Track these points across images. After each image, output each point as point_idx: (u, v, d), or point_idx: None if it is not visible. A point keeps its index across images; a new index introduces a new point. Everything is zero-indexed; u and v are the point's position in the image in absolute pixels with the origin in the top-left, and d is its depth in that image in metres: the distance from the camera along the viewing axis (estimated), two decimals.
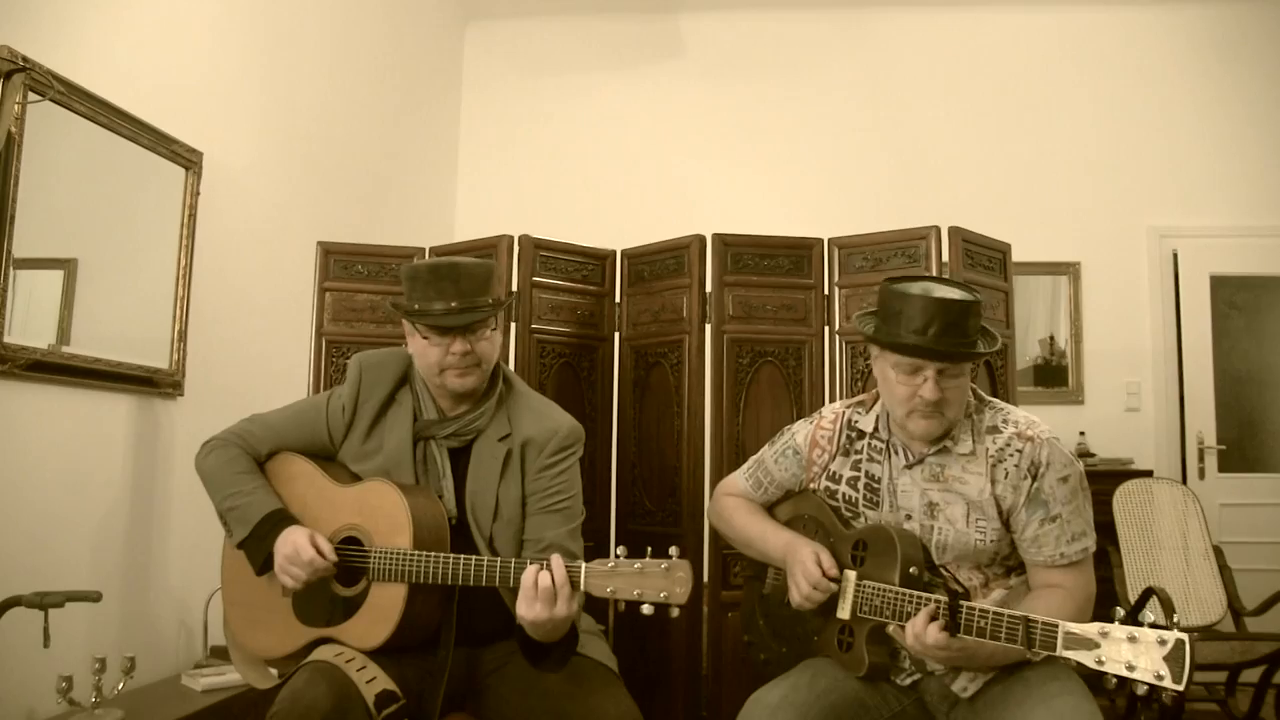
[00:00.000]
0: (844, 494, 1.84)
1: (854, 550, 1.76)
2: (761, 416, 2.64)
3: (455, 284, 1.82)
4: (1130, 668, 1.31)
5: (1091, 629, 1.37)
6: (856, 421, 1.86)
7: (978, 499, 1.71)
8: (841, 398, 2.61)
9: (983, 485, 1.70)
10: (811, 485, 1.91)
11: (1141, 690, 1.32)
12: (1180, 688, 1.29)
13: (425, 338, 1.85)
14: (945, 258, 2.55)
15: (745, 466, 2.04)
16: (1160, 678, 1.29)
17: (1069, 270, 4.77)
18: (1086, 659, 1.36)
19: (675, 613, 1.58)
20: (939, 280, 1.76)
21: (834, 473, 1.86)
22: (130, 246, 2.68)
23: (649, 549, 1.60)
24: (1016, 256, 2.76)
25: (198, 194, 2.86)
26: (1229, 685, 3.34)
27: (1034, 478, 1.68)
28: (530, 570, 1.61)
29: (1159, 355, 4.70)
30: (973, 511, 1.71)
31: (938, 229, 2.56)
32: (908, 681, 1.76)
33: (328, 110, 3.80)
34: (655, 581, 1.56)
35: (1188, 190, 4.74)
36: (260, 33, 3.32)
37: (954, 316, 1.64)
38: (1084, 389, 4.73)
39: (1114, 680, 1.34)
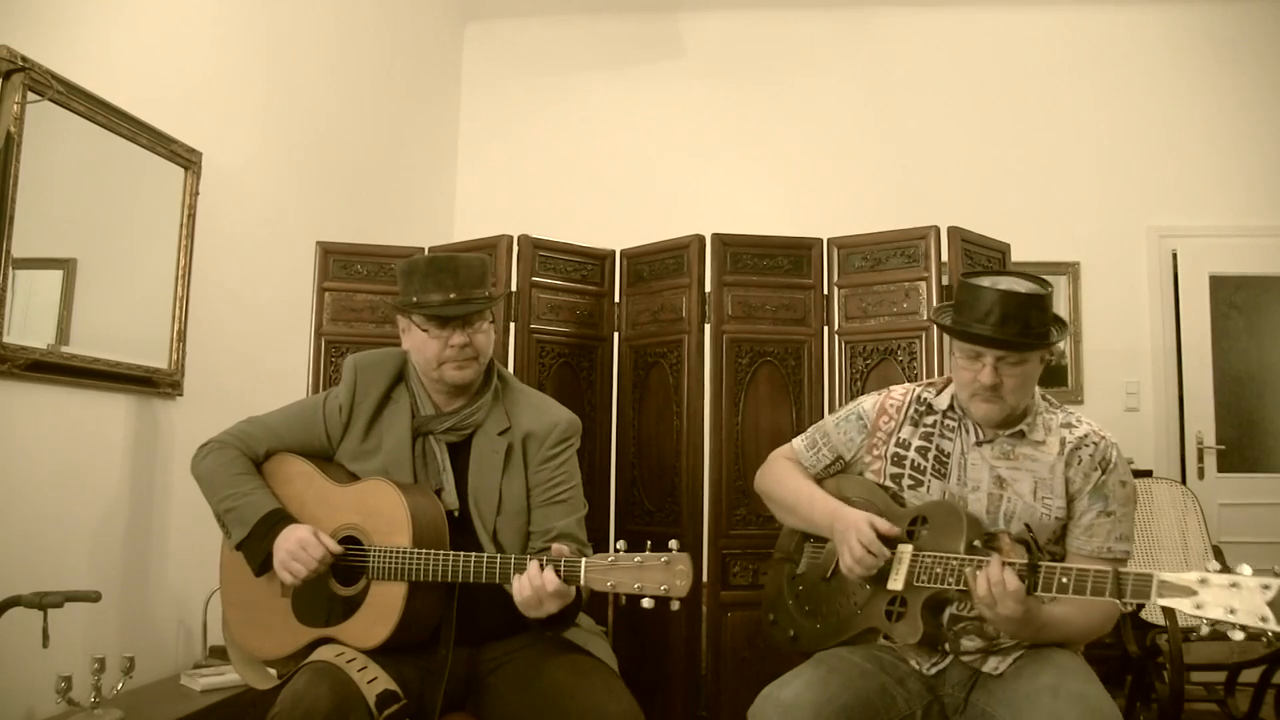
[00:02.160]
0: (913, 460, 1.88)
1: (911, 525, 1.78)
2: (760, 416, 2.64)
3: (454, 276, 1.86)
4: (1231, 611, 1.35)
5: (1190, 577, 1.41)
6: (928, 399, 1.92)
7: (1048, 476, 1.78)
8: (841, 398, 2.62)
9: (1054, 463, 1.78)
10: (874, 453, 1.92)
11: (1238, 636, 1.35)
12: None
13: (425, 330, 1.87)
14: (945, 258, 2.55)
15: (805, 433, 2.08)
16: (1265, 620, 1.33)
17: (1068, 270, 4.77)
18: (1185, 605, 1.40)
19: (676, 605, 1.60)
20: (1018, 275, 1.83)
21: (903, 440, 1.90)
22: (129, 246, 2.68)
23: (648, 543, 1.62)
24: (1016, 256, 2.77)
25: (197, 194, 2.86)
26: (1228, 685, 3.34)
27: (1103, 470, 1.77)
28: (519, 578, 1.65)
29: (1158, 355, 4.70)
30: (1040, 488, 1.78)
31: (937, 229, 2.56)
32: (932, 671, 1.77)
33: (327, 110, 3.80)
34: (655, 575, 1.58)
35: (1187, 190, 4.74)
36: (259, 32, 3.32)
37: (1013, 308, 1.71)
38: (1083, 389, 4.73)
39: (1207, 626, 1.38)
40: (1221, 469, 4.63)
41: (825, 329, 2.69)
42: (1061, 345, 1.82)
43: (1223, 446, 4.64)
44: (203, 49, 2.97)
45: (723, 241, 2.69)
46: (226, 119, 3.09)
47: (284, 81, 3.47)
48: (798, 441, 2.07)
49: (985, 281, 1.77)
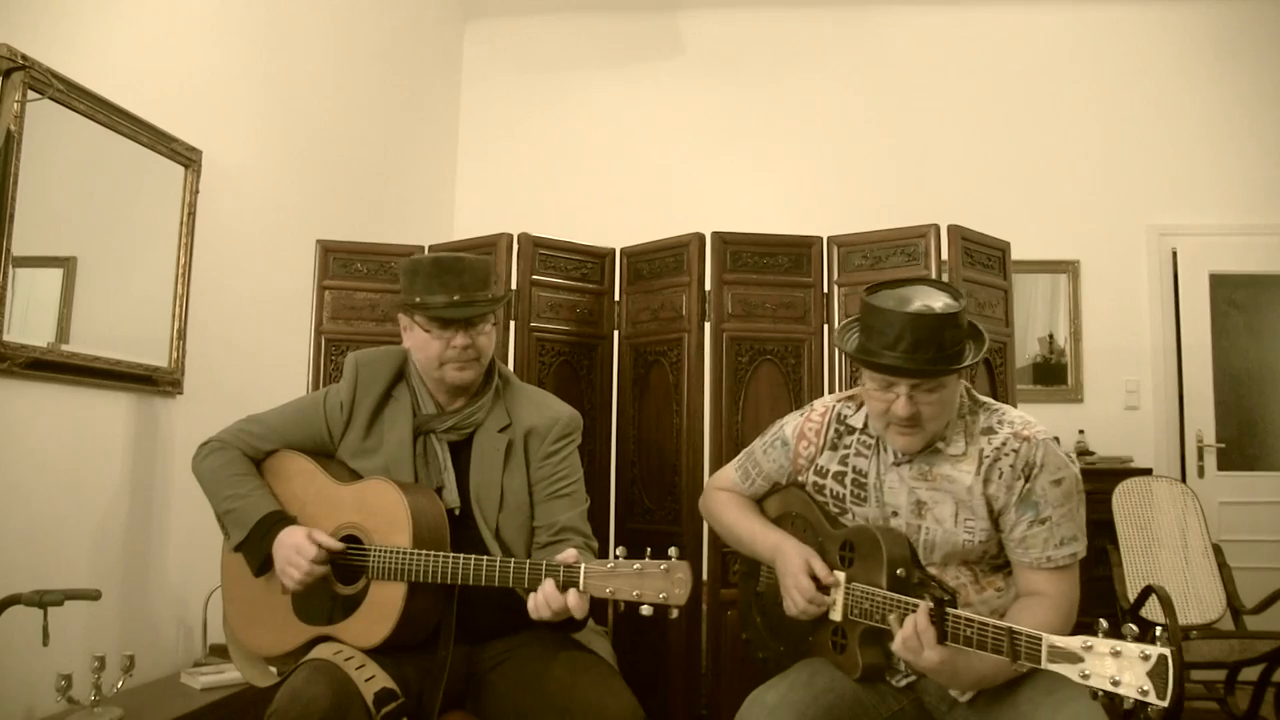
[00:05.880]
0: (831, 489, 1.84)
1: (841, 551, 1.75)
2: (760, 415, 2.63)
3: (458, 277, 1.86)
4: (1115, 682, 1.30)
5: (1075, 643, 1.35)
6: (847, 417, 1.85)
7: (966, 498, 1.69)
8: None
9: (972, 483, 1.68)
10: (800, 479, 1.90)
11: (1128, 705, 1.30)
12: (1165, 704, 1.26)
13: (427, 330, 1.87)
14: (944, 256, 2.54)
15: (737, 458, 2.04)
16: (1145, 693, 1.27)
17: (1068, 268, 4.77)
18: (1071, 673, 1.34)
19: (674, 614, 1.58)
20: (927, 283, 1.72)
21: (821, 467, 1.85)
22: (129, 245, 2.68)
23: (648, 549, 1.61)
24: (1016, 255, 2.76)
25: (197, 192, 2.86)
26: (1228, 684, 3.34)
27: (1027, 478, 1.65)
28: (534, 598, 1.65)
29: (1158, 353, 4.70)
30: (961, 510, 1.69)
31: (937, 227, 2.56)
32: (903, 684, 1.75)
33: (327, 108, 3.80)
34: (654, 582, 1.56)
35: (1187, 188, 4.74)
36: (259, 31, 3.32)
37: (926, 331, 1.59)
38: (1083, 387, 4.73)
39: (1100, 693, 1.32)
40: (1221, 467, 4.63)
41: (825, 327, 2.68)
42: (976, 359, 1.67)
43: (1223, 445, 4.65)
44: (203, 47, 2.97)
45: (723, 240, 2.69)
46: (227, 117, 3.09)
47: (284, 80, 3.47)
48: (733, 472, 2.02)
49: (891, 301, 1.65)
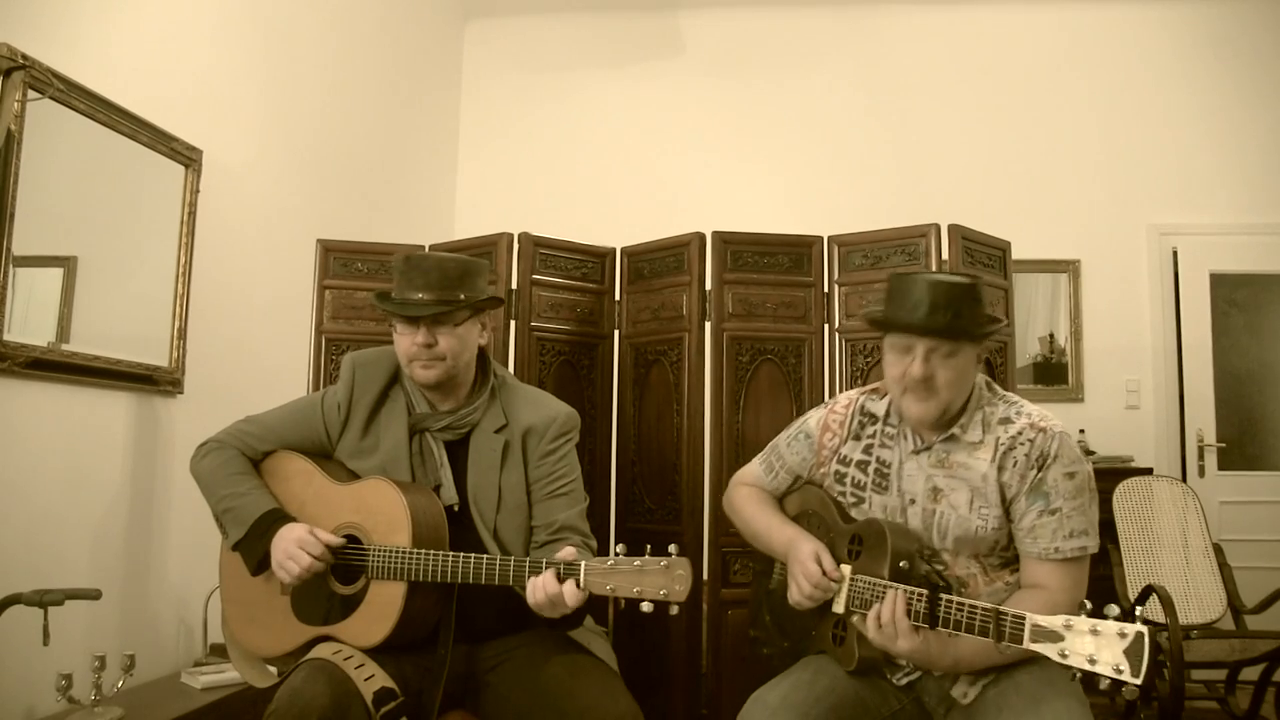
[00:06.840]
0: (853, 477, 1.85)
1: (850, 545, 1.77)
2: (761, 414, 2.64)
3: (425, 275, 1.84)
4: (1092, 661, 1.32)
5: (1057, 621, 1.38)
6: (870, 407, 1.88)
7: (981, 485, 1.71)
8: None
9: (987, 471, 1.71)
10: (822, 470, 1.92)
11: (1104, 685, 1.32)
12: (1138, 681, 1.29)
13: (393, 326, 1.89)
14: (945, 255, 2.55)
15: (761, 453, 2.06)
16: (1120, 671, 1.29)
17: (1069, 268, 4.77)
18: (1051, 652, 1.37)
19: (675, 610, 1.59)
20: (948, 274, 1.78)
21: (844, 456, 1.87)
22: (130, 244, 2.68)
23: (648, 546, 1.61)
24: (1016, 254, 2.76)
25: (197, 191, 2.86)
26: (1229, 683, 3.34)
27: (1040, 468, 1.68)
28: (534, 581, 1.65)
29: (1159, 353, 4.70)
30: (976, 498, 1.72)
31: (937, 226, 2.56)
32: (904, 681, 1.75)
33: (327, 108, 3.80)
34: (655, 579, 1.57)
35: (1188, 188, 4.74)
36: (260, 30, 3.32)
37: (944, 298, 1.67)
38: (1084, 387, 4.73)
39: (1079, 673, 1.35)
40: (1222, 467, 4.63)
41: (826, 327, 2.68)
42: (996, 341, 1.75)
43: (1223, 444, 4.64)
44: (203, 47, 2.97)
45: (723, 239, 2.69)
46: (227, 117, 3.09)
47: (285, 79, 3.46)
48: (757, 466, 2.05)
49: (916, 275, 1.74)
